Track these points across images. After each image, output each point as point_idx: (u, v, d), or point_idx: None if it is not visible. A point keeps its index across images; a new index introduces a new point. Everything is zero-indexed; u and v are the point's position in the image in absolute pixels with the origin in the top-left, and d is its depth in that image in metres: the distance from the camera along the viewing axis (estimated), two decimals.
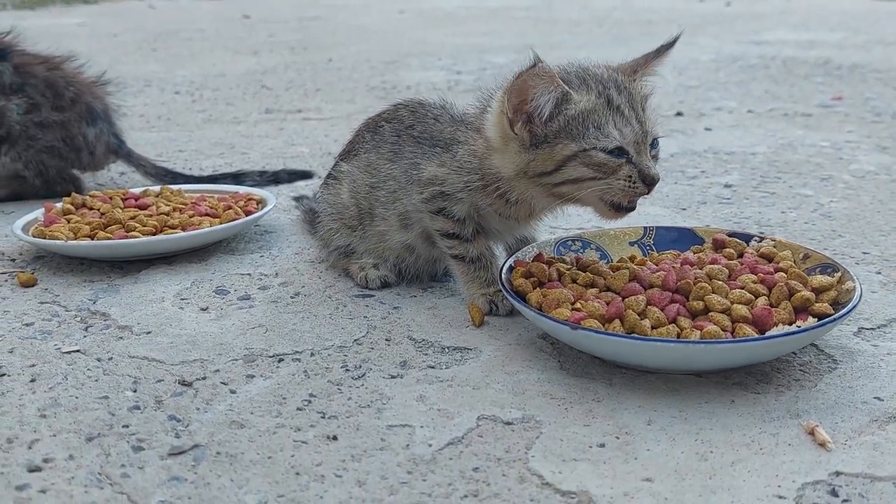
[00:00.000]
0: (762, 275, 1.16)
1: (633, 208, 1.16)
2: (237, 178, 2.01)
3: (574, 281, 1.21)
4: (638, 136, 1.13)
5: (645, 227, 1.40)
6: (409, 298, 1.38)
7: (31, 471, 0.92)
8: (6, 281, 1.48)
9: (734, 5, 7.28)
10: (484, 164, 1.24)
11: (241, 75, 3.99)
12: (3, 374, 1.13)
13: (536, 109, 1.12)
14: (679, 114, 2.81)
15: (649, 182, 1.12)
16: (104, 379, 1.12)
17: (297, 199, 1.89)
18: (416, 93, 3.46)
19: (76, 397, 1.07)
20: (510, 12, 7.10)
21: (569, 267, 1.25)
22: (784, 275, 1.16)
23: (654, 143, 1.16)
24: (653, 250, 1.36)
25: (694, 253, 1.30)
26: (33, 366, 1.16)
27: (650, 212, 1.79)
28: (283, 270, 1.52)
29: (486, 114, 1.23)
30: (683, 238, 1.36)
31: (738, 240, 1.31)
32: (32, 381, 1.12)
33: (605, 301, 1.12)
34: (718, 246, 1.31)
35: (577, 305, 1.11)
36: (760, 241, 1.31)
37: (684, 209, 1.81)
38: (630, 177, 1.11)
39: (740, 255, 1.28)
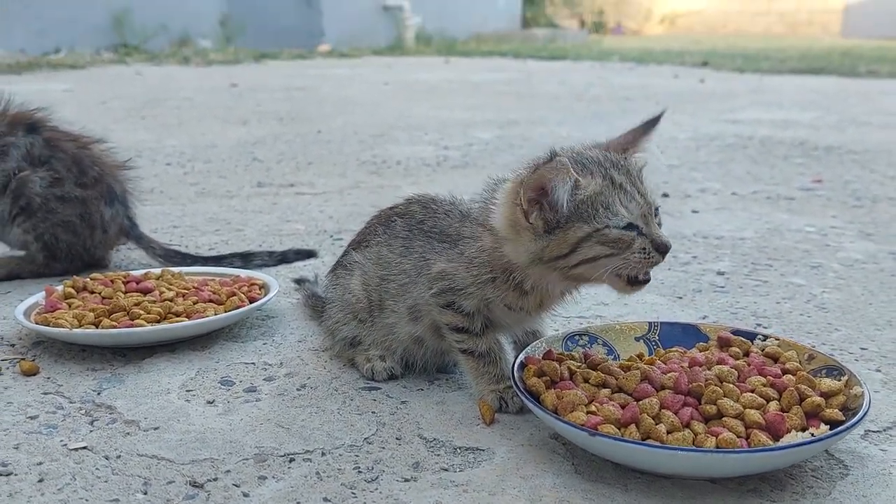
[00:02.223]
0: (771, 378, 1.18)
1: (648, 280, 1.18)
2: (246, 258, 2.03)
3: (586, 380, 1.22)
4: (643, 208, 1.16)
5: (650, 323, 1.42)
6: (416, 392, 1.38)
7: None
8: (7, 369, 1.46)
9: (708, 82, 7.51)
10: (494, 256, 1.26)
11: (231, 146, 4.02)
12: (10, 474, 1.11)
13: (553, 199, 1.14)
14: (665, 195, 2.87)
15: (663, 250, 1.15)
16: (113, 479, 1.11)
17: (297, 281, 1.89)
18: (406, 168, 3.51)
19: (86, 500, 1.06)
20: (492, 86, 7.26)
21: (579, 365, 1.27)
22: (792, 377, 1.18)
23: (655, 212, 1.19)
24: (658, 346, 1.38)
25: (700, 351, 1.32)
26: (40, 464, 1.14)
27: (647, 300, 1.81)
28: (287, 360, 1.52)
29: (491, 206, 1.25)
30: (688, 334, 1.39)
31: (742, 338, 1.33)
32: (40, 480, 1.10)
33: (620, 404, 1.13)
34: (723, 344, 1.33)
35: (593, 408, 1.12)
36: (765, 340, 1.33)
37: (680, 297, 1.84)
38: (644, 248, 1.14)
39: (746, 354, 1.30)
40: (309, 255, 2.13)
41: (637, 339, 1.40)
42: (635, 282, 1.18)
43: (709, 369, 1.22)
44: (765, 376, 1.19)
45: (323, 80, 7.77)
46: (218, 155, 3.80)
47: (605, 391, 1.19)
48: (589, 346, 1.38)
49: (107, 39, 10.88)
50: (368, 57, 11.45)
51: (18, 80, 7.21)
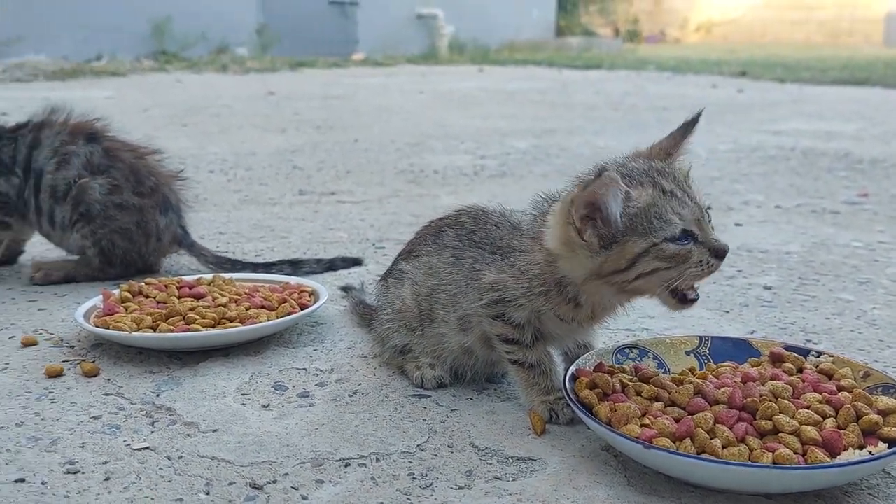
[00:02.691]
0: (827, 394, 1.18)
1: (696, 299, 1.20)
2: (295, 265, 2.07)
3: (638, 393, 1.22)
4: (696, 213, 1.17)
5: (700, 337, 1.42)
6: (465, 401, 1.40)
7: None
8: (69, 370, 1.50)
9: (747, 92, 7.46)
10: (546, 270, 1.26)
11: (271, 154, 4.08)
12: (78, 472, 1.15)
13: (606, 215, 1.15)
14: (708, 208, 2.86)
15: (721, 255, 1.17)
16: (176, 479, 1.14)
17: (344, 289, 1.92)
18: (443, 177, 3.54)
19: (151, 499, 1.09)
20: (526, 95, 7.28)
21: (631, 378, 1.28)
22: (848, 395, 1.18)
23: (707, 214, 1.20)
24: (709, 361, 1.38)
25: (752, 366, 1.32)
26: (106, 463, 1.18)
27: (694, 314, 1.81)
28: (337, 366, 1.54)
29: (543, 225, 1.26)
30: (739, 349, 1.39)
31: (796, 354, 1.33)
32: (107, 479, 1.13)
33: (674, 417, 1.14)
34: (776, 359, 1.33)
35: (646, 422, 1.13)
36: (818, 356, 1.33)
37: (727, 312, 1.84)
38: (702, 261, 1.15)
39: (799, 370, 1.30)
40: (355, 262, 2.16)
41: (687, 354, 1.40)
42: (684, 300, 1.20)
43: (762, 385, 1.22)
44: (820, 393, 1.19)
45: (358, 88, 7.84)
46: (259, 162, 3.85)
47: (658, 405, 1.19)
48: (639, 359, 1.39)
49: (147, 47, 11.08)
50: (402, 65, 11.53)
51: (62, 87, 7.37)
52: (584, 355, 1.36)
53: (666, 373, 1.35)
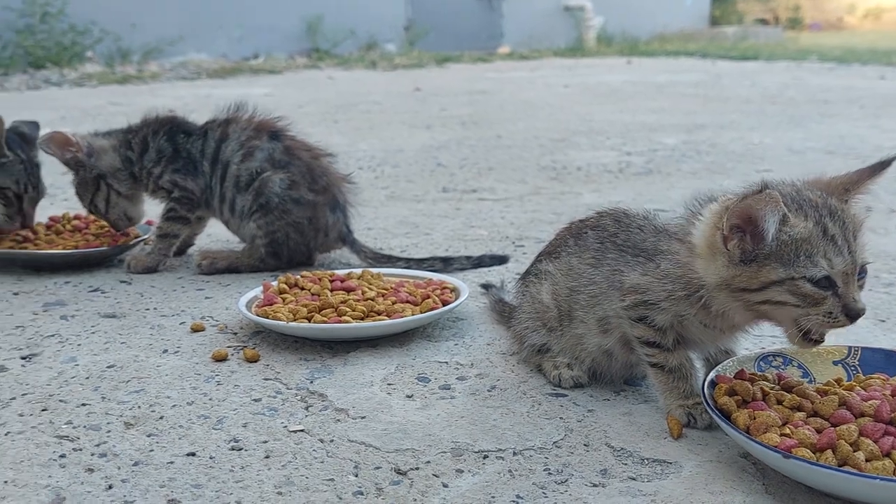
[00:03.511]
0: None
1: (822, 341, 1.19)
2: (446, 261, 2.16)
3: (779, 402, 1.21)
4: (847, 266, 1.14)
5: (850, 347, 1.38)
6: (602, 402, 1.42)
7: None
8: (233, 355, 1.64)
9: None
10: (687, 271, 1.27)
11: (417, 151, 4.20)
12: (242, 449, 1.27)
13: (756, 231, 1.15)
14: (868, 209, 2.71)
15: (853, 316, 1.14)
16: (328, 461, 1.23)
17: (484, 286, 1.98)
18: (587, 174, 3.53)
19: (306, 477, 1.19)
20: (677, 88, 7.08)
21: (772, 386, 1.26)
22: None
23: (862, 271, 1.16)
24: (858, 372, 1.34)
25: None
26: (266, 442, 1.29)
27: None
28: (477, 361, 1.60)
29: (695, 221, 1.26)
30: (891, 361, 1.34)
31: None
32: (266, 457, 1.24)
33: (815, 428, 1.12)
34: None
35: (787, 431, 1.12)
36: None
37: (883, 321, 1.75)
38: (831, 312, 1.14)
39: None
40: (501, 260, 2.22)
41: (835, 364, 1.36)
42: (809, 338, 1.18)
43: None
44: None
45: (503, 83, 7.90)
46: (405, 159, 3.98)
47: (800, 414, 1.17)
48: (783, 367, 1.36)
49: (300, 45, 11.58)
50: (548, 58, 11.48)
51: (223, 85, 7.86)
52: (725, 362, 1.35)
53: (811, 382, 1.32)
